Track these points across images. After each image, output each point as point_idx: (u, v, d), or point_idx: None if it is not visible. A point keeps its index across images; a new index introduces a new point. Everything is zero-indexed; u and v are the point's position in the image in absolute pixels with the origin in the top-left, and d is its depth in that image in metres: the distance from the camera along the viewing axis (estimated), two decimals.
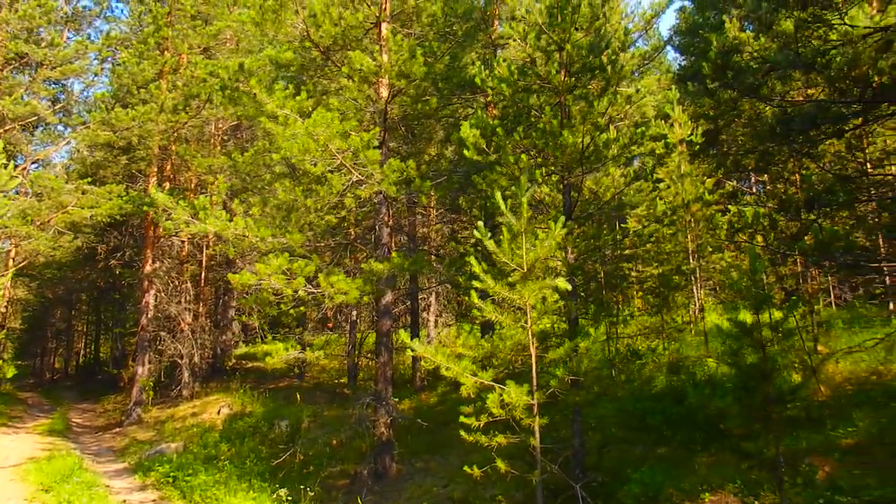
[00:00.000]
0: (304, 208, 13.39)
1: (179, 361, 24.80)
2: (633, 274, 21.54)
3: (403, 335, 8.82)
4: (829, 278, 23.19)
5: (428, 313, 26.92)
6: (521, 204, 8.66)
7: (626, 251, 20.89)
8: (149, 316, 23.68)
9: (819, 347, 16.35)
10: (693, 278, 21.38)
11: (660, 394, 14.45)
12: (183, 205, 12.89)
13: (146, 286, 23.73)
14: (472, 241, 13.47)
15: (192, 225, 12.91)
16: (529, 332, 8.74)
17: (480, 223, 9.05)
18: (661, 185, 20.78)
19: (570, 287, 8.56)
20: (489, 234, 8.89)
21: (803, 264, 20.97)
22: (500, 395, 8.31)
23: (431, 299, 26.71)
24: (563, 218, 8.90)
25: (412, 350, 8.68)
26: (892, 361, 14.81)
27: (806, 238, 7.51)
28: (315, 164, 12.41)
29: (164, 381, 27.30)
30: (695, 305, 22.61)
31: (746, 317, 7.88)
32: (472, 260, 8.79)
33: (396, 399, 14.62)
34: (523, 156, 9.99)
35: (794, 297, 16.72)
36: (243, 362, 31.51)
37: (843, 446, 10.55)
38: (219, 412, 21.85)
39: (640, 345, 19.64)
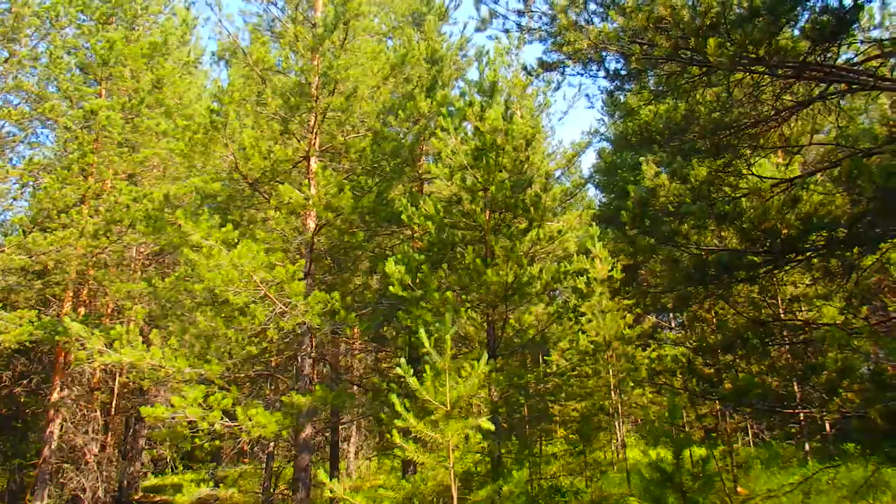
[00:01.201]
0: (225, 338, 13.00)
1: (82, 496, 23.04)
2: (556, 408, 21.51)
3: (322, 474, 8.42)
4: (747, 417, 23.65)
5: (348, 445, 26.06)
6: (446, 341, 8.60)
7: (549, 385, 20.95)
8: (52, 447, 22.10)
9: (739, 489, 16.44)
10: (615, 414, 21.48)
11: None
12: (98, 334, 12.36)
13: (51, 415, 22.27)
14: (395, 373, 13.28)
15: (106, 355, 12.34)
16: (452, 473, 8.48)
17: (402, 360, 8.91)
18: (584, 320, 21.16)
19: (493, 427, 8.41)
20: (412, 371, 8.74)
21: (721, 404, 21.39)
22: None
23: (352, 430, 25.93)
24: (486, 356, 8.86)
25: (331, 491, 8.27)
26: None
27: (724, 385, 7.65)
28: (238, 295, 12.16)
29: None
30: (617, 441, 22.61)
31: (667, 457, 7.86)
32: (394, 398, 8.58)
33: None
34: (448, 293, 10.04)
35: (713, 435, 16.95)
36: (152, 495, 29.53)
37: None
38: None
39: (563, 483, 19.35)
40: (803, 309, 13.37)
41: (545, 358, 22.20)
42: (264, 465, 23.36)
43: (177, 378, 12.39)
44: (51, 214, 20.46)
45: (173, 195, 14.01)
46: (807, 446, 19.24)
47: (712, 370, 8.48)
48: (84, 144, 21.25)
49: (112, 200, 21.26)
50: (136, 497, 28.45)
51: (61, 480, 23.37)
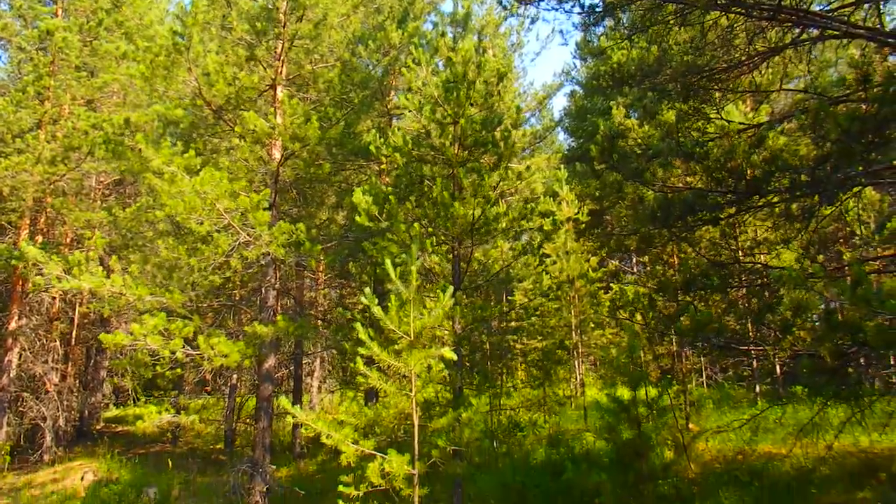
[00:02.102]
0: (188, 268, 12.86)
1: (42, 425, 22.96)
2: (518, 346, 21.81)
3: (284, 401, 8.46)
4: (702, 359, 24.23)
5: (311, 379, 26.22)
6: (411, 272, 8.61)
7: (512, 323, 21.20)
8: (10, 375, 21.89)
9: (691, 426, 16.93)
10: (575, 353, 21.88)
11: (539, 467, 14.47)
12: (56, 259, 12.13)
13: (10, 344, 21.99)
14: (360, 307, 13.30)
15: (64, 281, 12.14)
16: (413, 401, 8.58)
17: (368, 289, 8.90)
18: (548, 261, 21.35)
19: (455, 357, 8.49)
20: (376, 301, 8.76)
21: (678, 344, 21.86)
22: (381, 464, 8.06)
23: (316, 364, 26.06)
24: (451, 288, 8.89)
25: (293, 416, 8.32)
26: (757, 442, 15.48)
27: (682, 319, 7.78)
28: (201, 223, 11.99)
29: (23, 445, 25.14)
30: (576, 380, 23.09)
31: (624, 393, 8.04)
32: (359, 326, 8.60)
33: (274, 466, 13.98)
34: (415, 224, 10.00)
35: (668, 376, 17.36)
36: (113, 426, 29.56)
37: None
38: (82, 479, 20.24)
39: (522, 417, 19.77)
40: (763, 253, 13.61)
41: (509, 298, 22.44)
42: (227, 396, 23.48)
43: (138, 306, 12.27)
44: (5, 139, 19.82)
45: (134, 122, 13.63)
46: (757, 388, 19.85)
47: (672, 308, 8.62)
48: (40, 67, 20.50)
49: (70, 126, 20.66)
50: (98, 427, 28.48)
51: (21, 409, 23.24)
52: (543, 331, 20.60)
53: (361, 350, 8.55)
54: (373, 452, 8.20)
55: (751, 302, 8.76)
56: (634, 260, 32.79)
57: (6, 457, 22.43)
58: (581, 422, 18.85)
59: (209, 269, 12.75)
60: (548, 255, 21.36)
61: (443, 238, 10.65)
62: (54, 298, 23.83)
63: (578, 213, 21.09)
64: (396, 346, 8.71)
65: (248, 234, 12.28)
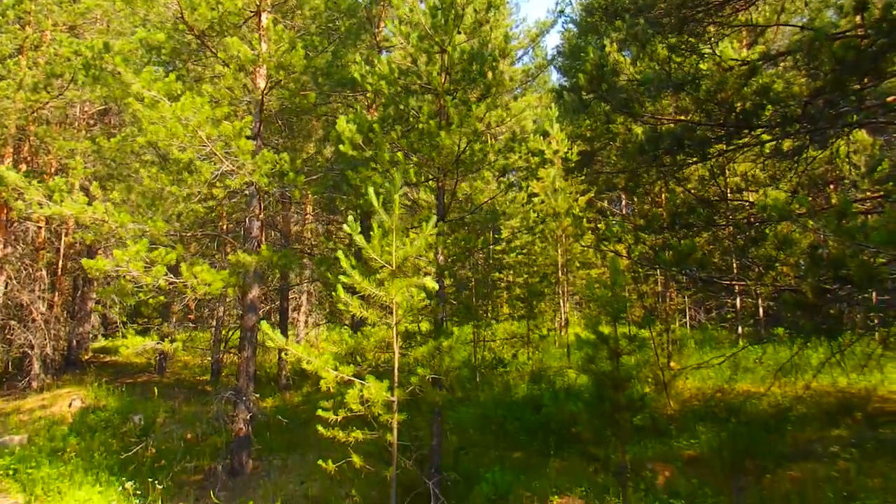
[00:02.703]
0: (172, 197, 12.64)
1: (30, 352, 22.96)
2: (504, 284, 21.77)
3: (265, 326, 8.38)
4: (686, 300, 24.33)
5: (298, 313, 26.24)
6: (394, 201, 8.44)
7: (499, 259, 21.14)
8: None
9: (672, 364, 17.05)
10: (560, 292, 21.90)
11: (520, 401, 14.58)
12: (36, 185, 11.87)
13: None
14: (346, 240, 13.15)
15: (45, 207, 11.90)
16: (395, 330, 8.52)
17: (351, 217, 8.75)
18: (536, 200, 21.19)
19: (437, 286, 8.40)
20: (359, 229, 8.61)
21: (663, 285, 21.89)
22: (361, 390, 8.03)
23: (303, 299, 26.06)
24: (434, 217, 8.74)
25: (271, 339, 8.24)
26: (737, 380, 15.62)
27: (665, 252, 7.68)
28: (184, 151, 11.71)
29: (11, 372, 25.20)
30: (560, 318, 23.17)
31: (606, 330, 7.98)
32: (341, 255, 8.48)
33: (257, 395, 14.04)
34: (399, 153, 9.78)
35: (652, 316, 17.39)
36: (101, 356, 29.63)
37: (685, 457, 10.92)
38: (70, 405, 20.36)
39: (506, 353, 19.87)
40: (752, 191, 13.49)
41: (496, 236, 22.34)
42: (214, 328, 23.51)
43: (120, 234, 12.05)
44: None
45: (113, 46, 13.18)
46: (740, 330, 19.98)
47: (658, 243, 8.51)
48: None
49: (52, 53, 20.10)
50: (86, 357, 28.52)
51: (8, 337, 23.19)
52: (530, 269, 20.55)
53: (343, 278, 8.44)
54: (352, 379, 8.16)
55: (736, 238, 8.65)
56: (624, 202, 32.70)
57: None
58: (564, 359, 18.96)
59: (193, 198, 12.52)
60: (536, 195, 21.21)
61: (428, 170, 10.44)
62: (40, 228, 23.58)
63: (568, 152, 20.83)
64: (378, 276, 8.60)
65: (231, 163, 12.03)
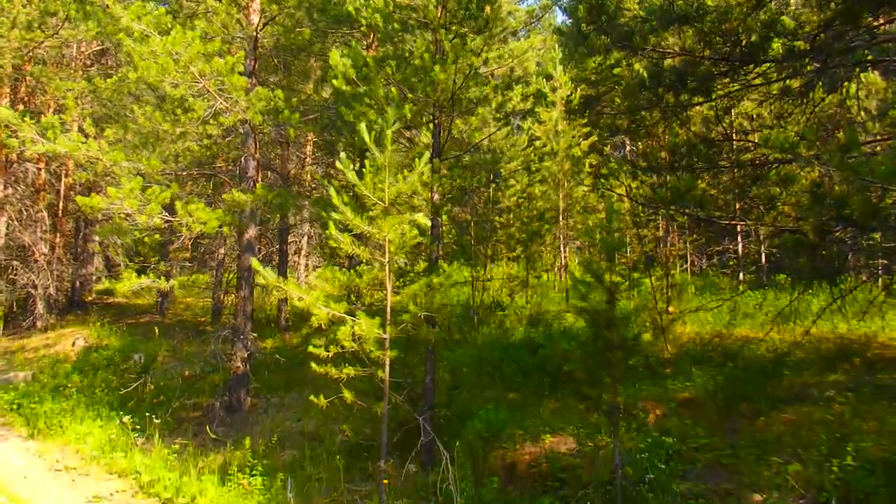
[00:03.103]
0: (167, 136, 12.39)
1: (33, 293, 23.00)
2: (503, 227, 21.54)
3: (255, 263, 8.24)
4: (687, 246, 24.11)
5: (299, 257, 26.14)
6: (386, 136, 8.20)
7: (498, 204, 20.88)
8: None
9: (670, 309, 16.91)
10: (560, 236, 21.70)
11: (517, 343, 14.51)
12: (29, 122, 11.62)
13: None
14: (341, 180, 12.89)
15: (39, 144, 11.69)
16: (387, 268, 8.36)
17: (343, 154, 8.52)
18: (538, 143, 20.81)
19: (429, 223, 8.22)
20: (352, 166, 8.39)
21: (664, 229, 21.65)
22: (352, 327, 7.92)
23: (303, 242, 25.93)
24: (428, 153, 8.52)
25: (262, 276, 8.11)
26: (735, 326, 15.47)
27: (664, 190, 7.45)
28: (176, 87, 11.42)
29: (16, 312, 25.31)
30: (560, 263, 23.01)
31: (601, 266, 7.80)
32: (332, 191, 8.27)
33: (256, 335, 14.00)
34: (393, 89, 9.49)
35: (652, 261, 17.19)
36: (104, 297, 29.72)
37: (679, 399, 10.85)
38: (73, 344, 20.50)
39: (504, 296, 19.79)
40: (756, 131, 13.15)
41: (497, 179, 22.00)
42: (214, 270, 23.48)
43: (115, 172, 11.87)
44: None
45: None
46: (741, 276, 19.82)
47: (657, 182, 8.25)
48: None
49: None
50: (90, 298, 28.60)
51: (12, 277, 23.19)
52: (529, 213, 20.26)
53: (335, 215, 8.25)
54: (343, 315, 8.04)
55: (738, 178, 8.40)
56: (628, 149, 32.24)
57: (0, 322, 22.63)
58: (563, 303, 18.83)
59: (187, 136, 12.27)
60: (538, 138, 20.82)
61: (423, 107, 10.15)
62: (39, 169, 23.40)
63: (571, 94, 20.38)
64: (371, 213, 8.42)
65: (224, 100, 11.74)
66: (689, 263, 22.86)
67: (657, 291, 16.61)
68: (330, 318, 8.08)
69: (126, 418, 11.86)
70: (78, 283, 27.28)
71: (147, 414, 12.27)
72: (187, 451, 10.80)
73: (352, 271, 8.69)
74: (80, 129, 17.17)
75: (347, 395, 8.09)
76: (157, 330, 19.25)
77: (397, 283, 8.59)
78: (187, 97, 11.49)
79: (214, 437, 11.81)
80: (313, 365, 8.34)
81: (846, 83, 11.61)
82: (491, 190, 21.26)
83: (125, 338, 19.82)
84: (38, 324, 23.12)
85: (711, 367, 12.32)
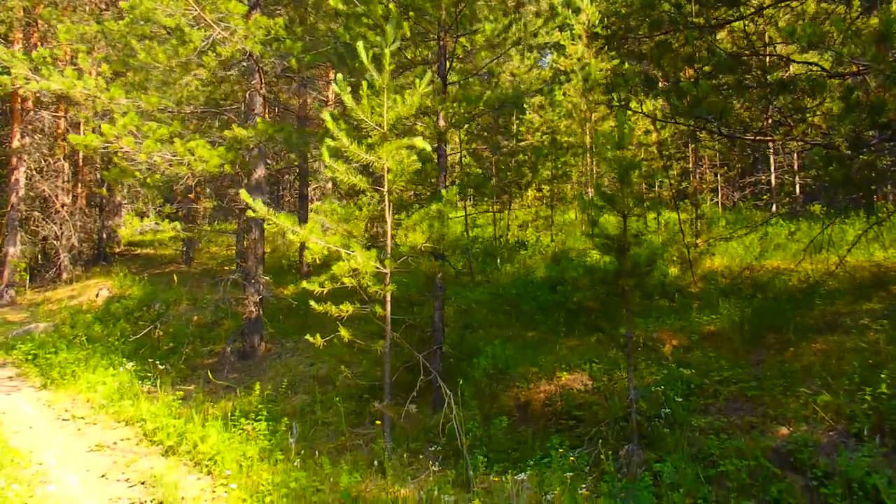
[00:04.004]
0: (167, 71, 11.91)
1: (55, 243, 23.01)
2: (528, 165, 20.86)
3: (244, 194, 7.78)
4: (719, 178, 23.20)
5: (323, 202, 25.69)
6: (385, 56, 7.62)
7: (522, 142, 20.15)
8: (19, 194, 21.64)
9: (698, 241, 16.23)
10: (586, 172, 20.98)
11: (539, 282, 14.02)
12: (22, 57, 11.23)
13: (14, 163, 21.57)
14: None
15: (32, 82, 11.29)
16: (386, 197, 7.86)
17: (339, 76, 7.97)
18: (563, 78, 19.95)
19: (427, 147, 7.66)
20: (349, 89, 7.84)
21: (694, 163, 20.78)
22: (349, 261, 7.47)
23: (328, 186, 25.50)
24: (430, 73, 7.92)
25: (252, 209, 7.66)
26: (767, 258, 14.78)
27: (682, 101, 6.78)
28: (171, 16, 10.89)
29: (42, 264, 25.44)
30: (587, 200, 22.27)
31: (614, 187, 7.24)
32: (327, 115, 7.75)
33: (269, 278, 13.67)
34: (392, 5, 8.85)
35: (682, 195, 16.42)
36: (132, 249, 29.81)
37: (704, 332, 10.31)
38: (97, 295, 20.48)
39: (529, 237, 19.24)
40: (784, 44, 12.25)
41: (520, 116, 21.23)
42: (237, 217, 23.22)
43: (113, 109, 11.45)
44: None
45: None
46: (774, 208, 18.99)
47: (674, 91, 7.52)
48: None
49: None
50: (117, 250, 28.69)
51: (34, 228, 23.19)
52: (557, 152, 19.51)
53: (329, 142, 7.75)
54: (340, 249, 7.59)
55: (765, 90, 7.65)
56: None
57: (24, 274, 22.70)
58: (588, 242, 18.22)
59: (187, 70, 11.78)
60: (563, 71, 19.94)
61: (427, 28, 9.50)
62: (57, 118, 23.16)
63: (599, 25, 19.41)
64: (370, 140, 7.90)
65: (222, 30, 11.19)
66: (720, 197, 22.01)
67: (685, 225, 15.95)
68: (327, 252, 7.65)
69: (129, 364, 11.70)
70: (105, 235, 27.28)
71: (156, 361, 12.09)
72: (196, 398, 10.57)
73: (351, 203, 8.23)
74: (99, 74, 16.81)
75: (344, 333, 7.69)
76: (175, 278, 19.11)
77: (399, 216, 8.10)
78: (183, 27, 10.95)
79: (226, 383, 11.57)
80: (312, 303, 7.97)
81: None
82: (515, 126, 20.55)
83: (147, 287, 19.72)
84: (64, 276, 23.19)
85: (740, 300, 11.74)
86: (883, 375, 6.82)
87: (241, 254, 22.59)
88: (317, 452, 7.91)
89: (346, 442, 8.66)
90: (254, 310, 12.72)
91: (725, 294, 12.39)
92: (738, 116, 7.07)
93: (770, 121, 7.87)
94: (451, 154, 20.11)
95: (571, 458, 6.89)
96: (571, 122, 19.64)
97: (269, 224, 8.07)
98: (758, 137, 7.82)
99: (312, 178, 22.53)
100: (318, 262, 7.60)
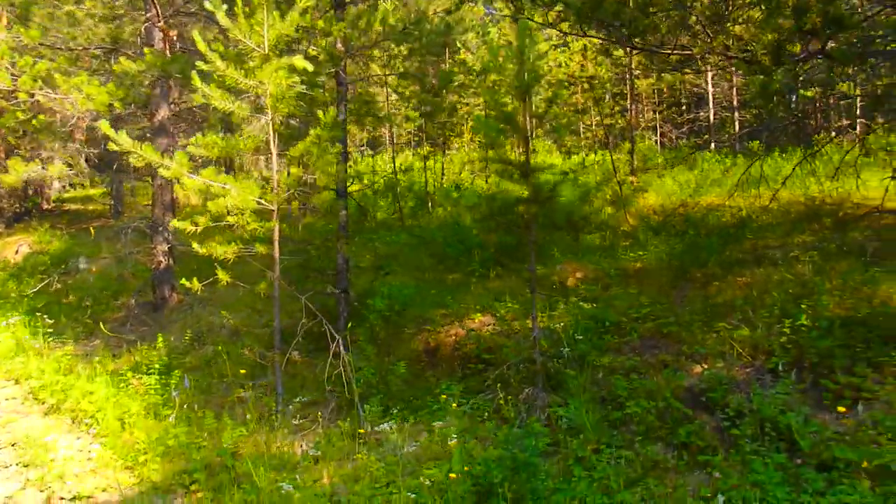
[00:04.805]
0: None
1: None
2: (464, 109, 20.00)
3: (104, 126, 6.83)
4: (657, 116, 22.58)
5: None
6: None
7: (452, 83, 19.18)
8: None
9: (631, 179, 15.68)
10: (526, 115, 20.15)
11: (469, 225, 13.29)
12: None
13: None
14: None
15: None
16: (270, 126, 6.99)
17: None
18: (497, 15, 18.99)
19: (310, 66, 6.78)
20: (223, 7, 6.91)
21: (631, 98, 20.09)
22: (226, 196, 6.63)
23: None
24: None
25: (114, 141, 6.73)
26: (702, 194, 14.26)
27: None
28: None
29: None
30: (529, 144, 21.55)
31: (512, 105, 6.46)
32: (196, 35, 6.81)
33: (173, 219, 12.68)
34: None
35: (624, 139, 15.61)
36: (62, 205, 28.36)
37: (631, 269, 9.73)
38: (17, 252, 19.27)
39: (465, 180, 18.51)
40: None
41: (454, 57, 20.23)
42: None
43: None
44: None
45: None
46: (713, 146, 18.48)
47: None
48: None
49: None
50: (47, 207, 27.27)
51: None
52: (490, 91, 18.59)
53: (201, 65, 6.82)
54: (212, 182, 6.73)
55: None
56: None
57: None
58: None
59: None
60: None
61: None
62: None
63: None
64: (250, 64, 6.99)
65: None
66: (658, 135, 21.39)
67: (619, 163, 15.32)
68: (200, 187, 6.78)
69: (29, 320, 10.79)
70: (31, 191, 25.75)
71: (62, 316, 11.18)
72: (92, 353, 9.71)
73: (235, 135, 7.35)
74: None
75: (223, 276, 6.90)
76: (92, 230, 18.02)
77: (285, 144, 7.25)
78: None
79: (132, 337, 10.72)
80: (194, 244, 7.14)
81: None
82: (447, 65, 19.55)
83: (67, 242, 18.58)
84: None
85: (671, 237, 11.20)
86: (804, 306, 6.26)
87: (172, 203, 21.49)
88: (205, 407, 7.17)
89: (244, 395, 7.92)
90: (163, 259, 11.81)
91: (657, 232, 11.84)
92: (653, 25, 6.30)
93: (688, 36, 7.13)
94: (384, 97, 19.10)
95: (472, 402, 6.29)
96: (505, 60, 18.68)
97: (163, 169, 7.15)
98: (675, 52, 7.09)
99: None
100: (192, 201, 6.75)
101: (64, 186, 31.10)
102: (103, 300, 12.87)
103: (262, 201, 6.76)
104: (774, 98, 7.47)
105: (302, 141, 6.77)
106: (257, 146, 7.22)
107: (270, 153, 7.02)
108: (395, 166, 16.63)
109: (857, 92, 10.72)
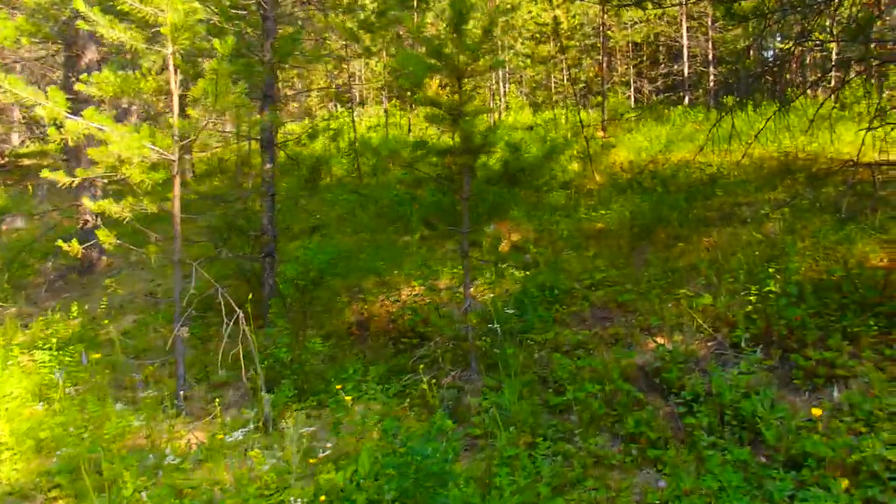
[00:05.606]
0: None
1: None
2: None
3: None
4: (631, 70, 21.56)
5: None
6: None
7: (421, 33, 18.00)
8: None
9: (598, 134, 14.81)
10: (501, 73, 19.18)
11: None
12: None
13: None
14: None
15: None
16: (171, 60, 5.95)
17: None
18: None
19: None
20: None
21: (603, 52, 19.05)
22: (109, 143, 5.63)
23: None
24: None
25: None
26: (673, 150, 13.39)
27: None
28: None
29: None
30: (500, 102, 20.64)
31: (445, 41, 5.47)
32: None
33: (106, 181, 11.60)
34: None
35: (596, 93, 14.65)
36: (21, 160, 26.94)
37: (591, 231, 8.86)
38: None
39: (433, 136, 17.49)
40: None
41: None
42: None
43: None
44: None
45: None
46: (686, 100, 17.56)
47: None
48: None
49: None
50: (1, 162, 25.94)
51: None
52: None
53: None
54: (101, 127, 5.72)
55: None
56: None
57: None
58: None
59: None
60: None
61: None
62: None
63: None
64: None
65: None
66: (633, 90, 20.35)
67: (591, 121, 14.39)
68: (84, 132, 5.77)
69: None
70: None
71: None
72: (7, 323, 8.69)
73: (136, 73, 6.29)
74: None
75: (105, 237, 5.94)
76: (30, 187, 16.83)
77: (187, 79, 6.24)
78: None
79: (52, 304, 9.69)
80: (85, 200, 6.18)
81: None
82: (416, 15, 18.31)
83: (5, 200, 17.37)
84: None
85: (637, 194, 10.34)
86: (772, 270, 5.42)
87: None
88: (108, 390, 6.23)
89: (154, 374, 6.99)
90: (89, 218, 10.73)
91: (624, 190, 10.98)
92: None
93: None
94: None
95: (402, 384, 5.43)
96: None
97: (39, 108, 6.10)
98: None
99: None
100: (69, 143, 5.74)
101: (23, 141, 29.68)
102: (29, 263, 11.81)
103: (158, 149, 5.76)
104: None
105: (202, 79, 5.75)
106: (160, 87, 6.19)
107: (171, 93, 6.00)
108: (353, 121, 15.57)
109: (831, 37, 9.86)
